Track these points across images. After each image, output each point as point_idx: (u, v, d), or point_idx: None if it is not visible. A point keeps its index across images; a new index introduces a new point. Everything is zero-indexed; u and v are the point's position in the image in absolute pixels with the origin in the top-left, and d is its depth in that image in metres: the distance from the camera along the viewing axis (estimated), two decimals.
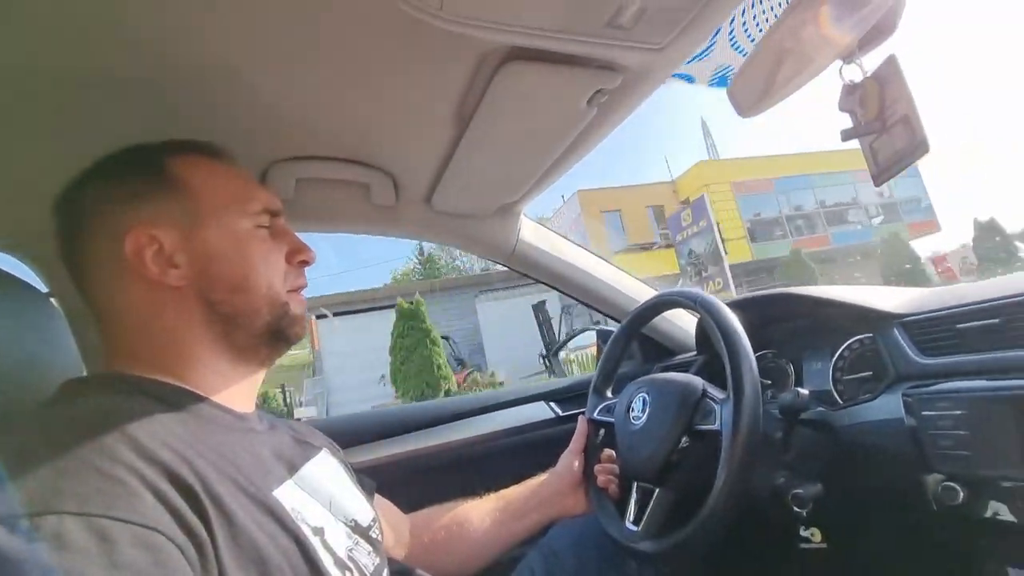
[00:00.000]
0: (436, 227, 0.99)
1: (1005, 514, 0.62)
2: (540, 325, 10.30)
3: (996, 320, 0.62)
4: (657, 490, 0.74)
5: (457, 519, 0.78)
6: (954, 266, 12.75)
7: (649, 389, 0.78)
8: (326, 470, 0.57)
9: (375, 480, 0.72)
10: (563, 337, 10.09)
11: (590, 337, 1.37)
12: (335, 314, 10.23)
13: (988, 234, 12.68)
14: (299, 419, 0.78)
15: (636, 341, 1.22)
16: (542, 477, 0.85)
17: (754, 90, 0.65)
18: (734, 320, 0.69)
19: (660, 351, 1.21)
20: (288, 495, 0.46)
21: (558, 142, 0.76)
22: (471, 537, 0.77)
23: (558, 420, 1.14)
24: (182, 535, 0.34)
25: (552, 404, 1.16)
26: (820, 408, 0.81)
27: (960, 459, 0.60)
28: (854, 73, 0.54)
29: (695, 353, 1.12)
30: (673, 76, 0.75)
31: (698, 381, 0.74)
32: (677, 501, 0.73)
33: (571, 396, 1.17)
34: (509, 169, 0.84)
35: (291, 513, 0.44)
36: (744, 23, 0.67)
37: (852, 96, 0.54)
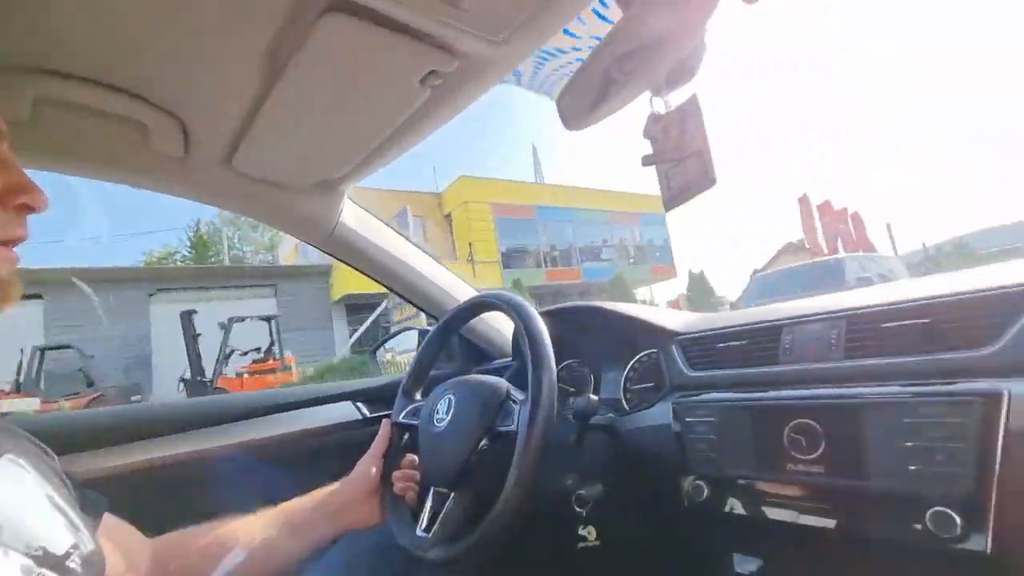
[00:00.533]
0: (238, 193, 0.85)
1: (739, 508, 0.73)
2: (186, 340, 8.84)
3: (744, 342, 0.73)
4: (452, 494, 0.72)
5: (219, 540, 0.65)
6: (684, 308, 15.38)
7: (456, 391, 0.76)
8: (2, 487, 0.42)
9: (117, 494, 0.58)
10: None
11: (413, 338, 1.32)
12: None
13: (697, 285, 15.43)
14: (4, 413, 0.58)
15: (459, 343, 1.20)
16: (332, 487, 0.77)
17: (581, 105, 0.67)
18: (541, 326, 0.70)
19: (481, 354, 1.21)
20: None
21: (387, 119, 0.71)
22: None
23: (365, 422, 1.06)
24: None
25: (360, 405, 1.08)
26: (610, 414, 0.88)
27: (710, 461, 0.68)
28: (660, 105, 0.59)
29: (512, 358, 1.14)
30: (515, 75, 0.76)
31: (503, 383, 0.75)
32: (472, 505, 0.72)
33: (383, 396, 1.10)
34: (330, 139, 0.75)
35: None
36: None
37: (656, 125, 0.59)
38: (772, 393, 0.65)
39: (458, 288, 1.10)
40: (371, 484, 0.77)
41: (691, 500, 0.70)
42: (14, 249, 0.46)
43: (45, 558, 0.41)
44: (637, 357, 0.91)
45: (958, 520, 0.46)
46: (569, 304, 1.01)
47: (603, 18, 0.65)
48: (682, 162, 0.57)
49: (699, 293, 14.91)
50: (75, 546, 0.44)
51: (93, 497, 0.55)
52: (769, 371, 0.69)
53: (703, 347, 0.78)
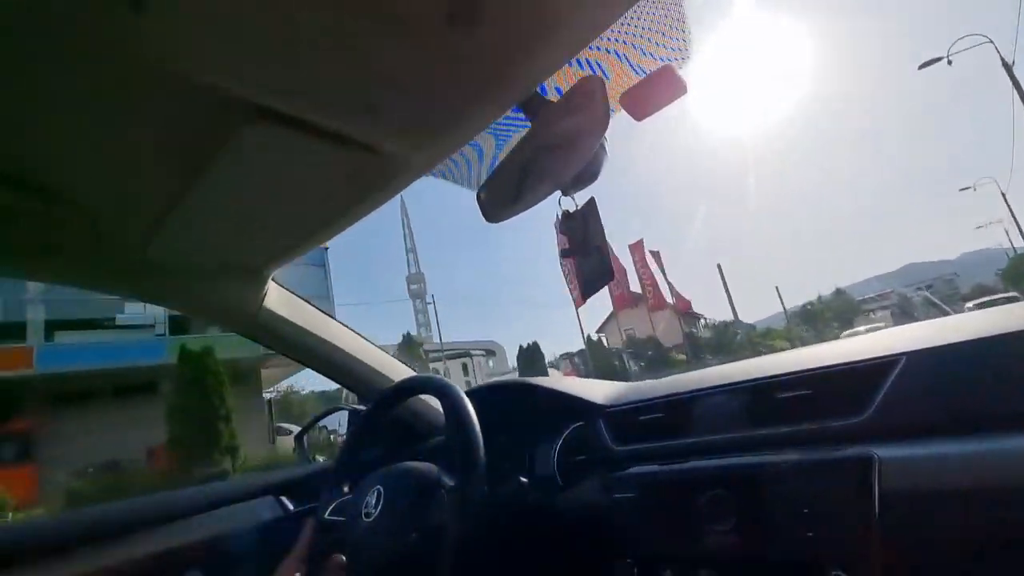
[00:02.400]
0: (154, 284, 0.82)
1: None
2: None
3: (661, 414, 0.77)
4: None
5: None
6: None
7: (385, 482, 0.74)
8: None
9: None
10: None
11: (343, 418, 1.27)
12: None
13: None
14: None
15: (391, 422, 1.17)
16: None
17: (500, 200, 0.73)
18: (467, 408, 0.71)
19: (413, 432, 1.18)
20: None
21: (311, 212, 0.72)
22: None
23: (289, 519, 0.99)
24: None
25: (284, 499, 1.01)
26: (543, 493, 0.87)
27: (636, 537, 0.70)
28: (569, 204, 0.65)
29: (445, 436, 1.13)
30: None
31: (433, 470, 0.73)
32: None
33: (309, 487, 1.04)
34: (253, 230, 0.75)
35: None
36: None
37: (568, 222, 0.65)
38: (686, 465, 0.69)
39: (388, 367, 1.08)
40: None
41: None
42: None
43: None
44: (568, 431, 0.93)
45: None
46: (493, 382, 1.02)
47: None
48: (588, 256, 0.62)
49: None
50: None
51: None
52: (685, 442, 0.73)
53: (628, 420, 0.81)
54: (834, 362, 0.63)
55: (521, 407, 0.99)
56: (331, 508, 0.82)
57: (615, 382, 1.01)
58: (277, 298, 0.95)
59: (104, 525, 0.86)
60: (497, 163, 0.71)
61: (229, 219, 0.72)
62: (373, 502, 0.73)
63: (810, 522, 0.55)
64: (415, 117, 0.58)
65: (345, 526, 0.76)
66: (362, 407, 1.13)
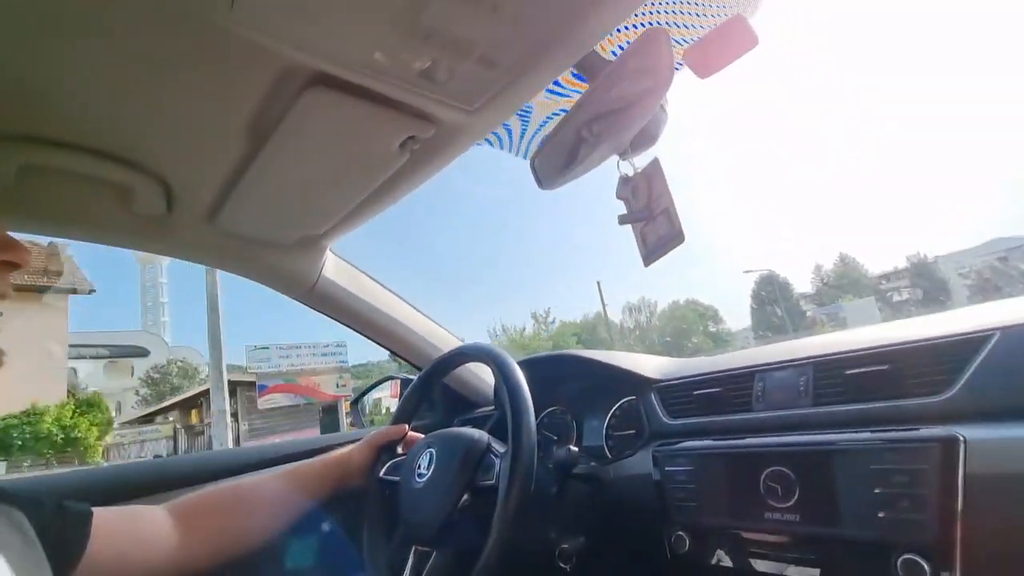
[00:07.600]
0: (220, 250, 0.87)
1: (726, 560, 0.72)
2: None
3: (718, 389, 0.74)
4: (434, 553, 0.70)
5: (239, 494, 0.76)
6: None
7: (436, 445, 0.76)
8: None
9: None
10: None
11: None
12: None
13: None
14: None
15: (442, 392, 1.20)
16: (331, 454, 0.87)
17: (554, 165, 0.71)
18: (520, 377, 0.71)
19: (464, 403, 1.21)
20: None
21: (368, 180, 0.74)
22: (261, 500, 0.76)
23: None
24: None
25: None
26: (592, 463, 0.87)
27: (689, 510, 0.69)
28: (628, 168, 0.63)
29: (494, 407, 1.14)
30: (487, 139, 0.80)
31: (484, 436, 0.75)
32: (454, 563, 0.70)
33: None
34: (313, 199, 0.78)
35: None
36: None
37: (627, 186, 0.63)
38: (747, 440, 0.66)
39: (440, 338, 1.10)
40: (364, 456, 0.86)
41: (674, 551, 0.70)
42: None
43: None
44: (618, 404, 0.92)
45: (927, 567, 0.47)
46: (547, 353, 1.02)
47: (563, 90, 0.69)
48: (653, 219, 0.60)
49: None
50: None
51: (77, 508, 0.56)
52: (743, 418, 0.70)
53: (680, 394, 0.80)
54: (915, 338, 0.59)
55: (571, 379, 0.99)
56: (385, 468, 0.85)
57: (665, 357, 0.99)
58: (335, 268, 0.98)
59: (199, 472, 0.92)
60: (552, 128, 0.69)
61: (291, 188, 0.74)
62: (425, 464, 0.75)
63: (882, 503, 0.52)
64: (470, 82, 0.58)
65: (400, 485, 0.79)
66: (414, 377, 1.17)
